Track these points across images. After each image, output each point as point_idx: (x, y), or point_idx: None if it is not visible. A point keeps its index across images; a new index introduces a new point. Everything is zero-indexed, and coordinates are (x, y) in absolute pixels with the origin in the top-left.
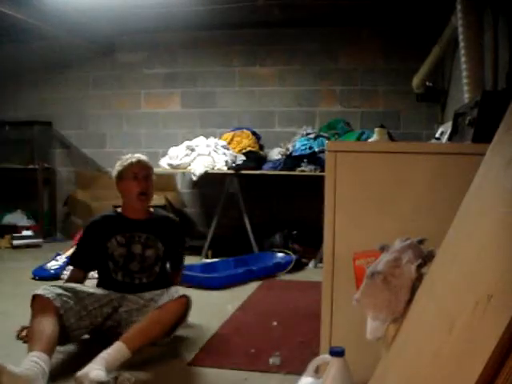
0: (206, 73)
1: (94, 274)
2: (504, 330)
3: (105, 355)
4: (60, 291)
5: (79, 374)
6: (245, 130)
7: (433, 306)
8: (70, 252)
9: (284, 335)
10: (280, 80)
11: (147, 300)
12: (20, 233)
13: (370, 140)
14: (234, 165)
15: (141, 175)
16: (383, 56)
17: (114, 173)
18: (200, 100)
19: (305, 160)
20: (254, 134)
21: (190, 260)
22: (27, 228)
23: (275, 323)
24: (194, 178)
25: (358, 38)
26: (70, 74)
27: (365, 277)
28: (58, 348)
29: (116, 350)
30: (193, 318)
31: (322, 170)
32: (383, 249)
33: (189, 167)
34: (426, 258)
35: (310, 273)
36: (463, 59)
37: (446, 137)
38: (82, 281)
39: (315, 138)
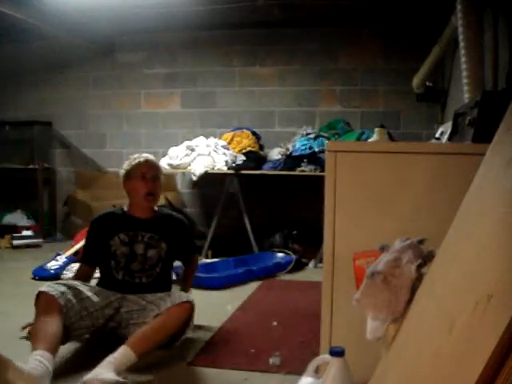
0: (206, 73)
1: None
2: (504, 330)
3: (111, 359)
4: (64, 289)
5: (87, 378)
6: (245, 130)
7: (433, 306)
8: (70, 252)
9: (284, 335)
10: (280, 80)
11: (148, 302)
12: (20, 233)
13: (369, 140)
14: (234, 165)
15: (149, 175)
16: (383, 56)
17: (122, 172)
18: (200, 100)
19: (305, 160)
20: (253, 133)
21: None
22: (27, 228)
23: (275, 323)
24: (194, 178)
25: (358, 38)
26: (70, 74)
27: (365, 277)
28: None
29: (122, 355)
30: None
31: (322, 170)
32: (383, 249)
33: (189, 167)
34: (426, 258)
35: (310, 273)
36: (463, 59)
37: (445, 137)
38: (90, 276)
39: (315, 138)
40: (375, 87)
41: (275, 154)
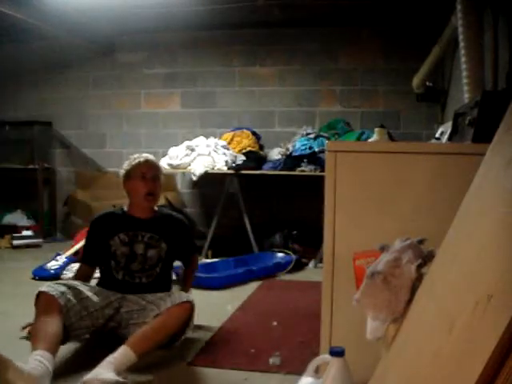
0: (206, 73)
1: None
2: (504, 330)
3: (111, 359)
4: (64, 289)
5: (87, 378)
6: (245, 130)
7: (433, 306)
8: (70, 252)
9: (284, 335)
10: (280, 80)
11: (148, 302)
12: (20, 233)
13: (369, 140)
14: (234, 165)
15: (149, 175)
16: (383, 56)
17: (122, 172)
18: (200, 100)
19: (305, 160)
20: (254, 133)
21: None
22: (27, 228)
23: (275, 323)
24: (194, 178)
25: (358, 38)
26: (70, 74)
27: (365, 277)
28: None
29: (122, 355)
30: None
31: (322, 170)
32: (383, 249)
33: (189, 167)
34: (426, 258)
35: (310, 273)
36: (463, 59)
37: (445, 137)
38: (90, 276)
39: (315, 138)
40: (375, 87)
41: (275, 154)
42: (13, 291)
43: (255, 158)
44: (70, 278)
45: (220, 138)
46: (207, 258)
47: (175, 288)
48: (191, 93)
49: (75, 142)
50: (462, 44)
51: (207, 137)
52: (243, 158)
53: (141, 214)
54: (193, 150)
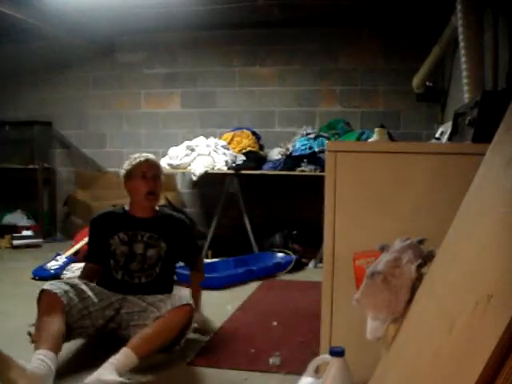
0: (206, 73)
1: None
2: (504, 330)
3: (114, 361)
4: (67, 288)
5: (90, 379)
6: (245, 130)
7: (433, 306)
8: (70, 252)
9: (284, 335)
10: (280, 80)
11: (149, 303)
12: (20, 233)
13: (369, 140)
14: (234, 165)
15: (149, 174)
16: (383, 56)
17: (122, 172)
18: (200, 100)
19: (305, 160)
20: (254, 133)
21: None
22: (27, 228)
23: (275, 323)
24: (194, 178)
25: (358, 38)
26: (70, 74)
27: (365, 277)
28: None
29: (124, 356)
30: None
31: (322, 170)
32: (383, 249)
33: (189, 167)
34: (426, 258)
35: (310, 273)
36: (463, 59)
37: (445, 137)
38: (97, 274)
39: (315, 138)
40: (375, 87)
41: (275, 154)
42: (13, 291)
43: (255, 158)
44: (74, 277)
45: (220, 138)
46: (207, 257)
47: (176, 289)
48: (191, 93)
49: (75, 142)
50: (461, 44)
51: (207, 137)
52: (243, 157)
53: (141, 213)
54: (193, 150)
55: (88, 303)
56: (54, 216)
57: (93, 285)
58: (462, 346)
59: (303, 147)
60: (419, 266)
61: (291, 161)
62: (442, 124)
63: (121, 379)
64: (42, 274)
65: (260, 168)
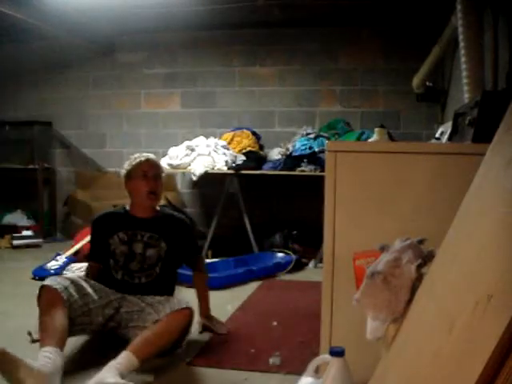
0: (206, 73)
1: None
2: (504, 330)
3: (115, 364)
4: (67, 283)
5: (92, 382)
6: (245, 130)
7: (433, 306)
8: (70, 252)
9: (284, 335)
10: (280, 80)
11: (148, 304)
12: (20, 233)
13: (369, 140)
14: (234, 165)
15: (150, 174)
16: (383, 56)
17: (123, 172)
18: (200, 100)
19: (305, 160)
20: (254, 133)
21: None
22: (27, 228)
23: (275, 323)
24: (194, 178)
25: (358, 38)
26: (70, 74)
27: (365, 277)
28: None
29: (126, 359)
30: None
31: (322, 170)
32: (383, 249)
33: (189, 167)
34: (426, 258)
35: (310, 273)
36: (463, 59)
37: (445, 137)
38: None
39: (315, 138)
40: (375, 87)
41: (275, 154)
42: (13, 291)
43: (255, 158)
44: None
45: (220, 138)
46: (207, 257)
47: (178, 290)
48: (191, 93)
49: (75, 142)
50: (462, 44)
51: (207, 137)
52: (243, 157)
53: (142, 213)
54: (193, 150)
55: (88, 300)
56: (53, 216)
57: (93, 282)
58: (461, 345)
59: (303, 147)
60: (419, 266)
61: (291, 161)
62: (442, 124)
63: (123, 381)
64: (42, 274)
65: (260, 168)
